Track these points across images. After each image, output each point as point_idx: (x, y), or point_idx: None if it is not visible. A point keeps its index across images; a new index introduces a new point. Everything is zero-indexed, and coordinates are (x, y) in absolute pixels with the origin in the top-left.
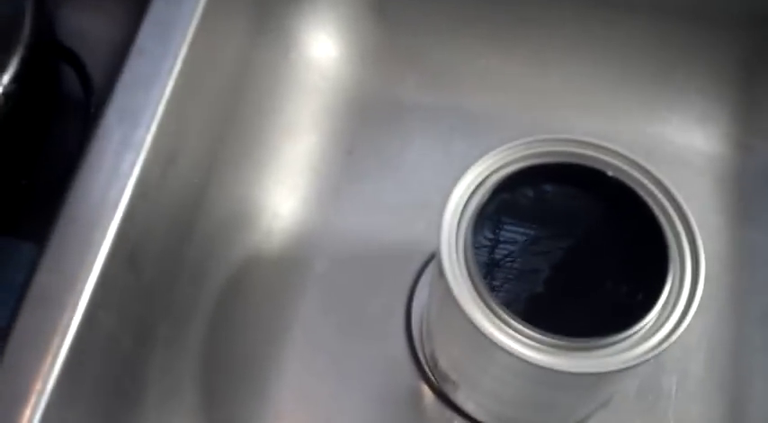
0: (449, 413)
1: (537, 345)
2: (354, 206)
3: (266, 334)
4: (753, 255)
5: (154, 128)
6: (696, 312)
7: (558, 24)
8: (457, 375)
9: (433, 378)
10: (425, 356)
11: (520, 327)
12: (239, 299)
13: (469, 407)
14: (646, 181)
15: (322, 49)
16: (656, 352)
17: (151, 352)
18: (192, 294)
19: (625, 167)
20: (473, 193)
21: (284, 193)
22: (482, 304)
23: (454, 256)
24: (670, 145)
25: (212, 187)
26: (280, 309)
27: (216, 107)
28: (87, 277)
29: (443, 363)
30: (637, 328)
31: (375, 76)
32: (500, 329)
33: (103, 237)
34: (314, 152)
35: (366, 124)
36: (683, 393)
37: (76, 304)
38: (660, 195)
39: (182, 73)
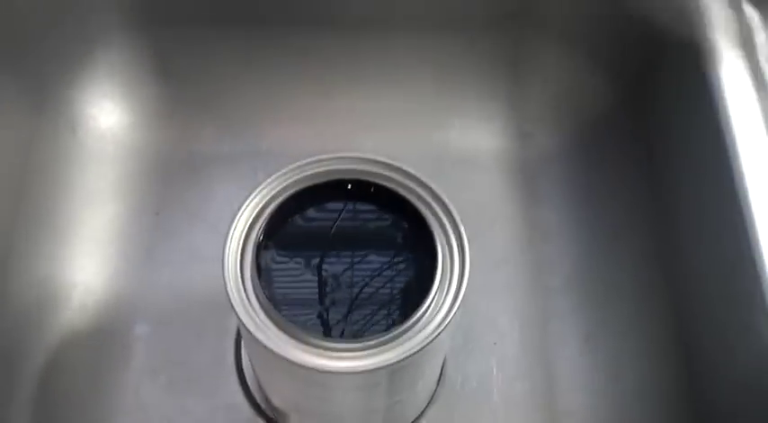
0: None
1: (331, 353)
2: (169, 264)
3: (94, 409)
4: (546, 231)
5: None
6: (504, 294)
7: (336, 53)
8: (286, 406)
9: (272, 416)
10: (260, 397)
11: (312, 340)
12: (61, 380)
13: None
14: (414, 185)
15: (111, 119)
16: (437, 332)
17: None
18: (5, 384)
19: (391, 175)
20: (254, 221)
21: (94, 265)
22: (275, 328)
23: (242, 288)
24: (456, 149)
25: (10, 274)
26: (106, 381)
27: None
28: None
29: (274, 399)
30: (415, 318)
31: (171, 135)
32: (295, 347)
33: None
34: (120, 220)
35: (170, 183)
36: (503, 373)
37: None
38: (428, 197)
39: None
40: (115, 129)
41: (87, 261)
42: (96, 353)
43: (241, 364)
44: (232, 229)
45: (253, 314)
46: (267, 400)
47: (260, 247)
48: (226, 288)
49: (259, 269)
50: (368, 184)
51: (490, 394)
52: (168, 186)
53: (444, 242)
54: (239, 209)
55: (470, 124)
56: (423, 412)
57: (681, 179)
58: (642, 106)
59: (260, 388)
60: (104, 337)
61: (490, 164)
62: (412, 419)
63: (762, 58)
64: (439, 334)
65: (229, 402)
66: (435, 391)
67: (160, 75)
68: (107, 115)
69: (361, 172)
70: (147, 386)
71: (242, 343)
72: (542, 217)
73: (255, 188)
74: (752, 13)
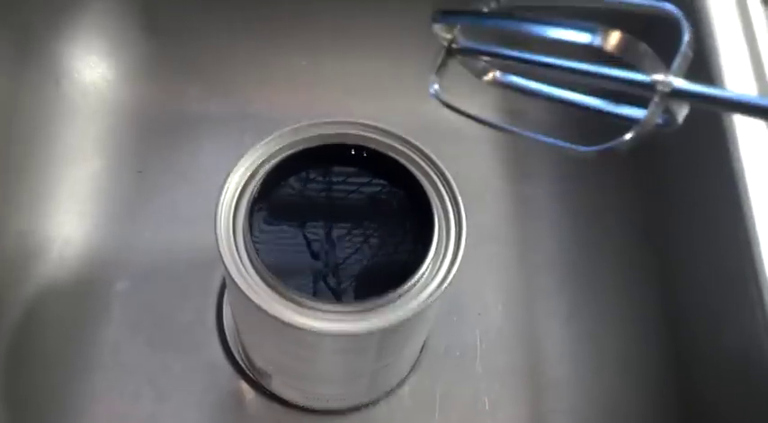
0: (271, 405)
1: (325, 315)
2: (151, 223)
3: (73, 363)
4: (532, 208)
5: None
6: (490, 267)
7: (325, 16)
8: (270, 367)
9: (252, 376)
10: (241, 356)
11: (303, 300)
12: (39, 331)
13: (289, 394)
14: (409, 152)
15: (96, 73)
16: (432, 298)
17: None
18: None
19: (386, 140)
20: (247, 182)
21: (74, 220)
22: (267, 288)
23: (234, 247)
24: (446, 119)
25: None
26: (84, 335)
27: None
28: None
29: (256, 358)
30: (410, 283)
31: (156, 93)
32: (288, 308)
33: None
34: (101, 176)
35: (153, 141)
36: (486, 344)
37: None
38: (424, 164)
39: None
40: (99, 84)
41: (67, 217)
42: (75, 307)
43: (222, 324)
44: (225, 187)
45: (245, 274)
46: (249, 361)
47: (253, 207)
48: (218, 247)
49: (252, 229)
50: (365, 150)
51: (473, 364)
52: (152, 144)
53: (441, 209)
54: (233, 167)
55: (468, 94)
56: (405, 378)
57: (671, 155)
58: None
59: (242, 348)
60: (84, 293)
61: (481, 138)
62: (394, 385)
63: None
64: (434, 300)
65: (210, 361)
66: (418, 358)
67: (148, 32)
68: (92, 69)
69: (358, 137)
70: (127, 343)
71: (224, 303)
72: (530, 192)
73: (251, 148)
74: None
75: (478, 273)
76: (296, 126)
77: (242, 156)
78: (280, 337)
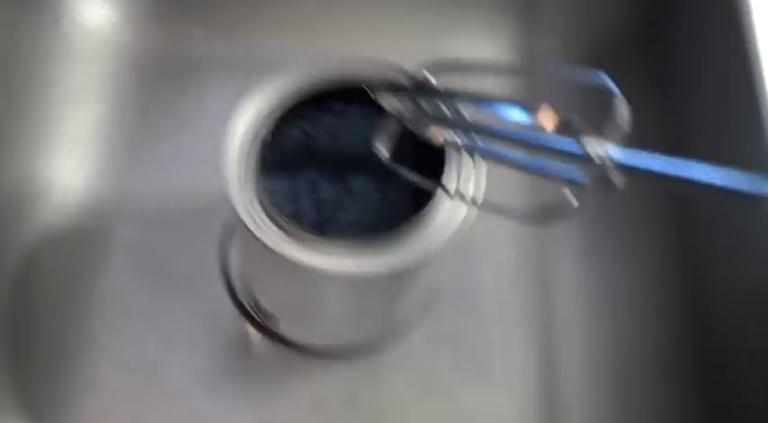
0: (278, 349)
1: (333, 254)
2: (154, 167)
3: (74, 309)
4: None
5: None
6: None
7: None
8: (278, 310)
9: (257, 318)
10: (247, 299)
11: (311, 238)
12: (38, 278)
13: (297, 337)
14: None
15: (97, 15)
16: (443, 240)
17: None
18: None
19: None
20: (257, 121)
21: (74, 164)
22: (275, 227)
23: (242, 185)
24: None
25: None
26: (85, 282)
27: None
28: None
29: (263, 300)
30: (422, 223)
31: (160, 36)
32: (293, 246)
33: None
34: (103, 120)
35: (157, 85)
36: (497, 286)
37: None
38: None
39: None
40: (102, 26)
41: (68, 160)
42: (75, 254)
43: (228, 268)
44: (235, 125)
45: (253, 213)
46: (256, 304)
47: (263, 146)
48: (226, 184)
49: (262, 168)
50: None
51: (484, 307)
52: (155, 88)
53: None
54: (243, 105)
55: (479, 37)
56: (415, 321)
57: (693, 103)
58: (657, 30)
59: (248, 292)
60: (84, 238)
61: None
62: (404, 328)
63: None
64: (446, 241)
65: (214, 305)
66: (428, 299)
67: None
68: (92, 11)
69: (373, 76)
70: (129, 290)
71: (230, 247)
72: None
73: (261, 87)
74: None
75: (490, 215)
76: (308, 65)
77: (252, 94)
78: (287, 278)
